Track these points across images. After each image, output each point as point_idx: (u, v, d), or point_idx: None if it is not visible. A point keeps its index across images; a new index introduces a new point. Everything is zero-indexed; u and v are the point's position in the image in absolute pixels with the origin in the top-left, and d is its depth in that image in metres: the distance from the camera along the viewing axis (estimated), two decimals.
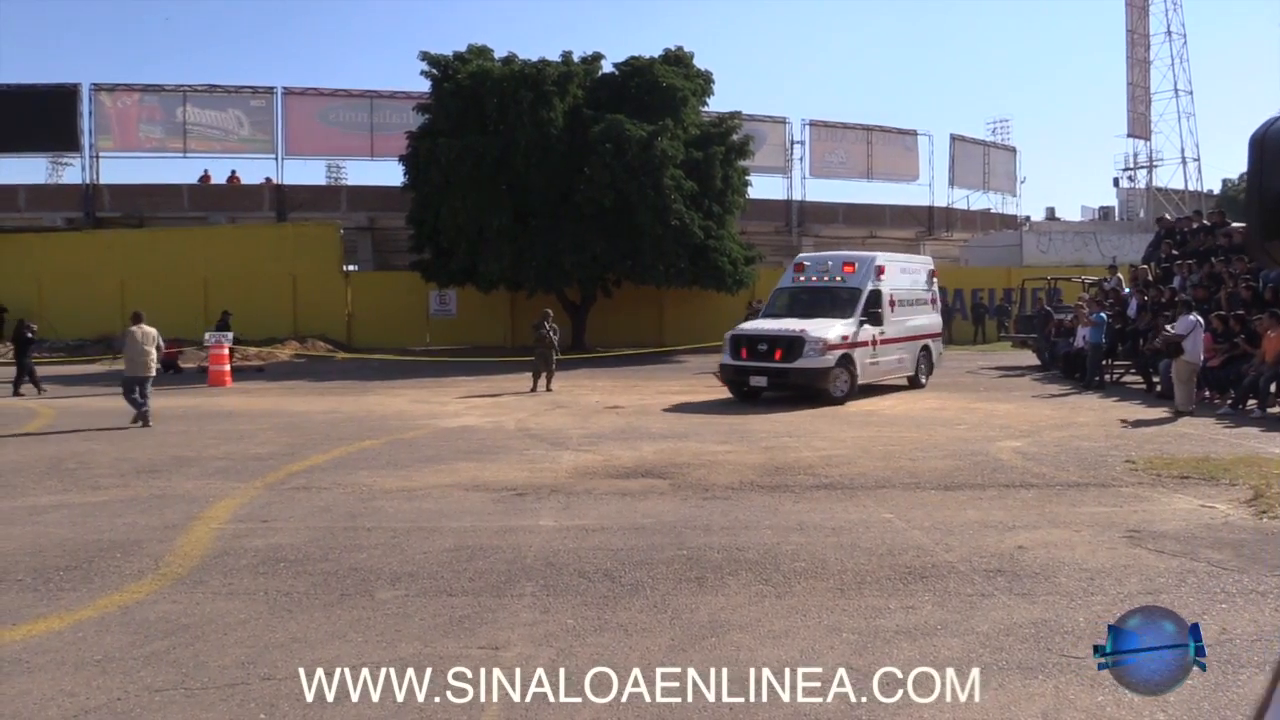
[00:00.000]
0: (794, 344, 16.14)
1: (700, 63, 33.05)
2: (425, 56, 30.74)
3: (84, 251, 36.04)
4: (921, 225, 44.37)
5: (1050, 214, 57.88)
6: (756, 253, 33.07)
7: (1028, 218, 51.77)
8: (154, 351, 15.11)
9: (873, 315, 17.39)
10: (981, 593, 5.79)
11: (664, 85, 30.64)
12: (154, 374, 15.19)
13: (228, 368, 22.47)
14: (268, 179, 38.92)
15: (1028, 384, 20.20)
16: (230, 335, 23.54)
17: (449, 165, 28.20)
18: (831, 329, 16.50)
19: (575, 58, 31.31)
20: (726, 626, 5.21)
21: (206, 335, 23.74)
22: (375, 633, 5.18)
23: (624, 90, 31.05)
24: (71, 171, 42.53)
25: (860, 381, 16.95)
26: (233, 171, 39.89)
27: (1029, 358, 25.34)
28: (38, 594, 5.98)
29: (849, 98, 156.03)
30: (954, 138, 46.37)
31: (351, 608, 5.62)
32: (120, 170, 48.73)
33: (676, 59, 32.40)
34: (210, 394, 19.62)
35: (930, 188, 45.15)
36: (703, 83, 32.76)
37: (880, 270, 18.05)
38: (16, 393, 19.53)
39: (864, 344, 17.02)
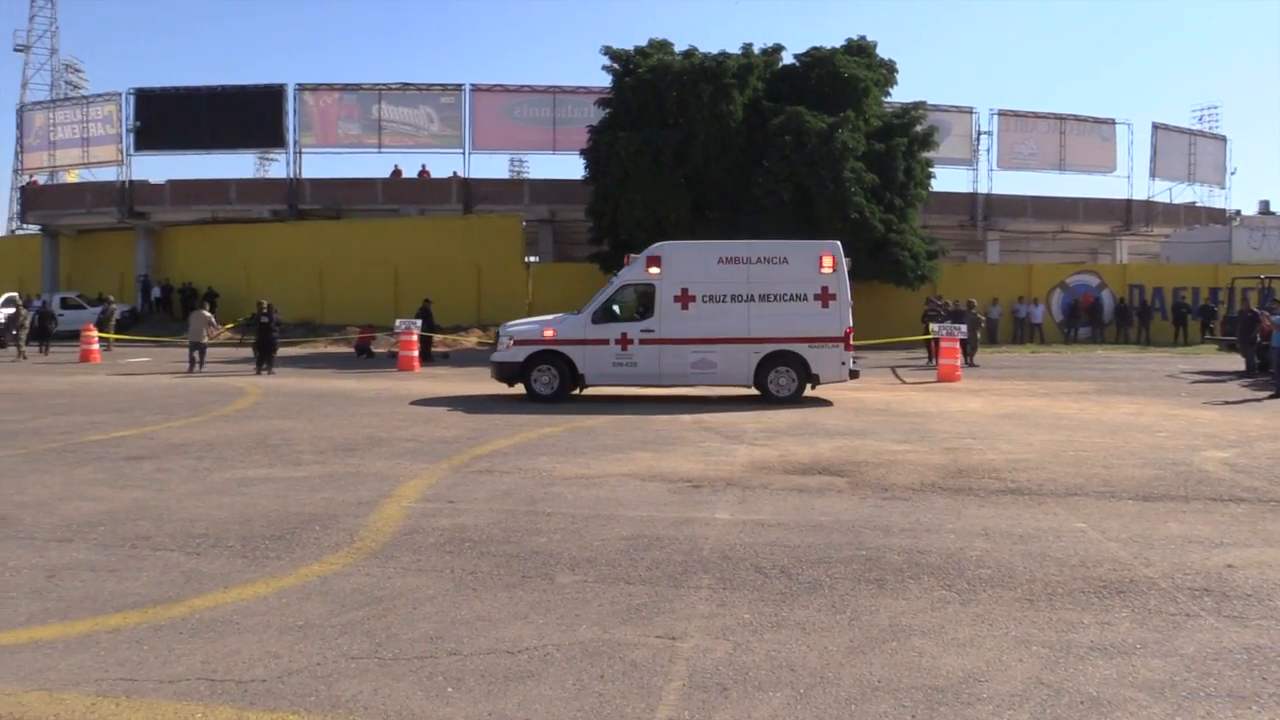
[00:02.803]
0: (497, 339, 17.17)
1: (884, 52, 32.36)
2: (607, 51, 31.21)
3: (287, 241, 38.52)
4: (1118, 219, 42.01)
5: (1264, 208, 53.63)
6: (939, 247, 32.12)
7: (1238, 212, 48.20)
8: (204, 327, 23.16)
9: (627, 311, 16.36)
10: (1186, 612, 5.42)
11: (845, 76, 30.12)
12: (206, 341, 23.09)
13: (416, 353, 23.47)
14: (455, 173, 40.43)
15: (1234, 390, 18.80)
16: (419, 323, 24.55)
17: (628, 159, 28.55)
18: (545, 325, 16.63)
19: (755, 50, 31.16)
20: (908, 631, 5.06)
21: (397, 322, 24.85)
22: (555, 615, 5.29)
23: (804, 82, 30.69)
24: (277, 167, 45.54)
25: (594, 382, 16.43)
26: (423, 166, 41.68)
27: (1237, 362, 23.60)
28: (246, 560, 6.40)
29: (1041, 86, 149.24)
30: (1156, 126, 43.78)
31: (532, 590, 5.76)
32: (320, 165, 51.46)
33: (859, 49, 31.79)
34: (400, 378, 20.49)
35: (1129, 180, 42.73)
36: (885, 73, 32.04)
37: (652, 262, 16.38)
38: (270, 371, 21.72)
39: (595, 342, 16.12)
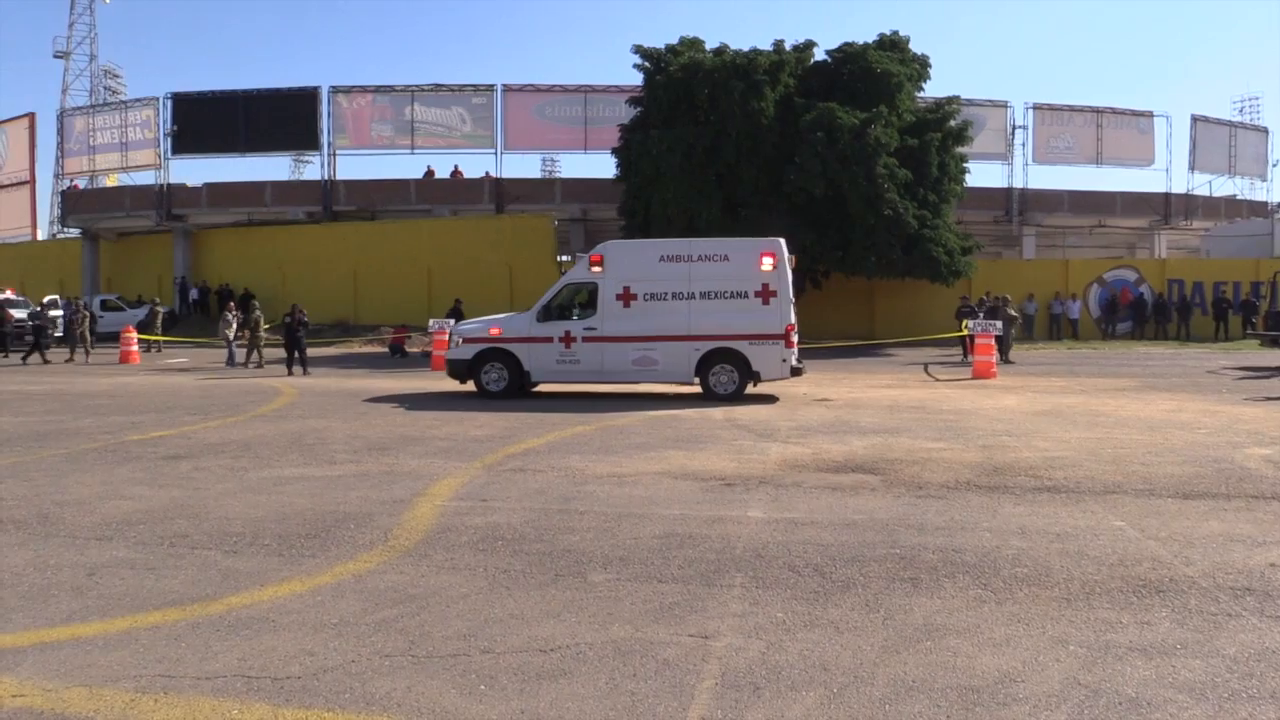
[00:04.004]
0: (450, 337, 17.75)
1: (917, 46, 32.25)
2: (638, 50, 31.23)
3: (322, 242, 38.90)
4: (1156, 213, 41.40)
5: None
6: (974, 243, 31.87)
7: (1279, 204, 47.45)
8: (232, 326, 24.90)
9: (571, 309, 16.62)
10: (1227, 612, 5.33)
11: (878, 71, 29.96)
12: (233, 338, 24.57)
13: None
14: (487, 173, 40.60)
15: (1277, 386, 18.48)
16: (451, 323, 24.69)
17: (660, 156, 28.55)
18: (492, 324, 16.96)
19: (787, 46, 31.06)
20: (943, 630, 5.02)
21: (431, 322, 25.02)
22: (588, 614, 5.30)
23: (836, 77, 30.57)
24: (311, 168, 45.94)
25: (539, 380, 16.69)
26: (455, 166, 41.87)
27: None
28: (282, 558, 6.45)
29: (1077, 79, 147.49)
30: (1195, 118, 43.03)
31: (565, 588, 5.77)
32: (354, 167, 52.31)
33: (891, 44, 31.61)
34: (435, 377, 20.59)
35: (1167, 173, 42.14)
36: (919, 67, 31.83)
37: (595, 260, 16.54)
38: (290, 372, 21.78)
39: (540, 340, 16.37)
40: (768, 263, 16.04)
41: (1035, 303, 35.22)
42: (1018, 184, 39.97)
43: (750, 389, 16.23)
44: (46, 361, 24.73)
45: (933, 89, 32.91)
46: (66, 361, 26.37)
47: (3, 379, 21.62)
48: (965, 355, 24.27)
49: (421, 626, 5.11)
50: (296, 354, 22.34)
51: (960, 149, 31.30)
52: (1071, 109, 41.61)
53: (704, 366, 16.05)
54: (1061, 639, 4.90)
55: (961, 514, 7.63)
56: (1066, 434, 12.01)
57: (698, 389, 16.25)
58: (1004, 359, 23.30)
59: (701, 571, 6.09)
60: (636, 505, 8.01)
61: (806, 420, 13.51)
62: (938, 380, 20.20)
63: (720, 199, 28.99)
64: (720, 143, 28.77)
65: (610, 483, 8.98)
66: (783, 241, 16.49)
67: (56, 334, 32.15)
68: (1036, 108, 40.75)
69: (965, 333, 23.75)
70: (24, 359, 26.25)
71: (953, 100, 31.95)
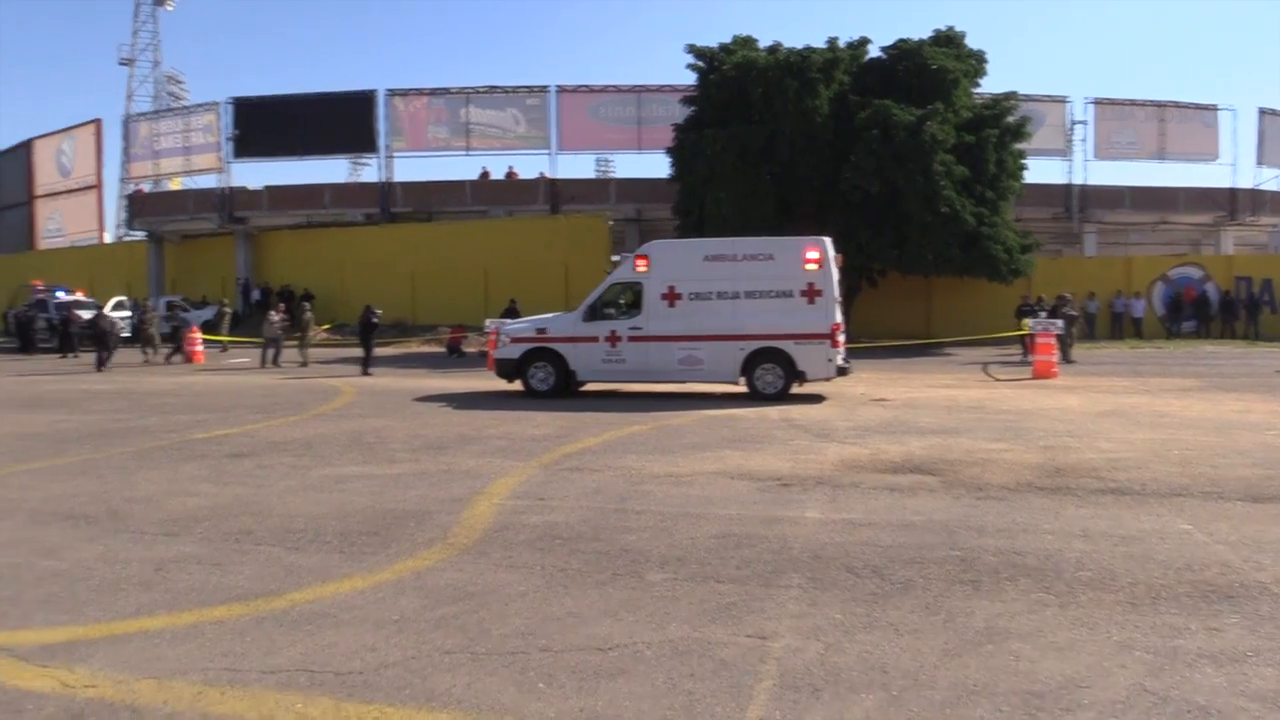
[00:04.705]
0: (498, 337, 17.67)
1: (973, 42, 31.71)
2: (691, 49, 31.19)
3: (380, 244, 39.42)
4: (1222, 209, 40.35)
5: None
6: (1033, 240, 31.34)
7: None
8: (277, 326, 25.38)
9: (617, 309, 16.72)
10: None
11: (934, 68, 29.61)
12: (280, 337, 25.15)
13: None
14: (542, 174, 40.83)
15: None
16: (507, 322, 24.87)
17: (714, 156, 28.50)
18: (538, 324, 17.15)
19: (841, 43, 30.81)
20: (1005, 634, 4.94)
21: (487, 322, 25.20)
22: (645, 613, 5.30)
23: (892, 74, 30.27)
24: (369, 171, 46.51)
25: (585, 379, 16.82)
26: (510, 167, 42.14)
27: None
28: (343, 555, 6.55)
29: (1138, 72, 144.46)
30: (1262, 111, 41.88)
31: (623, 587, 5.78)
32: (411, 168, 52.82)
33: (947, 40, 31.22)
34: (491, 377, 20.67)
35: (1233, 168, 41.03)
36: (975, 63, 31.39)
37: (640, 260, 16.65)
38: (366, 372, 21.83)
39: (586, 340, 16.46)
40: (812, 262, 15.90)
41: (1097, 301, 34.55)
42: (1078, 180, 39.24)
43: (796, 389, 16.14)
44: (101, 369, 24.58)
45: (989, 85, 32.42)
46: (144, 363, 26.97)
47: (74, 380, 22.21)
48: (1025, 355, 23.88)
49: (480, 624, 5.15)
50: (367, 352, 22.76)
51: (1018, 145, 30.79)
52: (1133, 103, 40.73)
53: (749, 366, 16.00)
54: (1127, 644, 4.80)
55: (1023, 516, 7.51)
56: (1130, 435, 11.77)
57: (743, 389, 16.19)
58: (1065, 359, 22.89)
59: (759, 572, 6.07)
60: (693, 505, 8.00)
61: (864, 420, 13.40)
62: (997, 380, 19.91)
63: (774, 198, 28.85)
64: (774, 141, 28.63)
65: (667, 482, 8.98)
66: (828, 240, 16.38)
67: (124, 334, 32.94)
68: (1097, 102, 39.96)
69: (1025, 332, 23.38)
70: (98, 367, 25.73)
71: (1010, 96, 31.43)
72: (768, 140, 28.60)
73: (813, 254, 15.96)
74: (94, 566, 6.30)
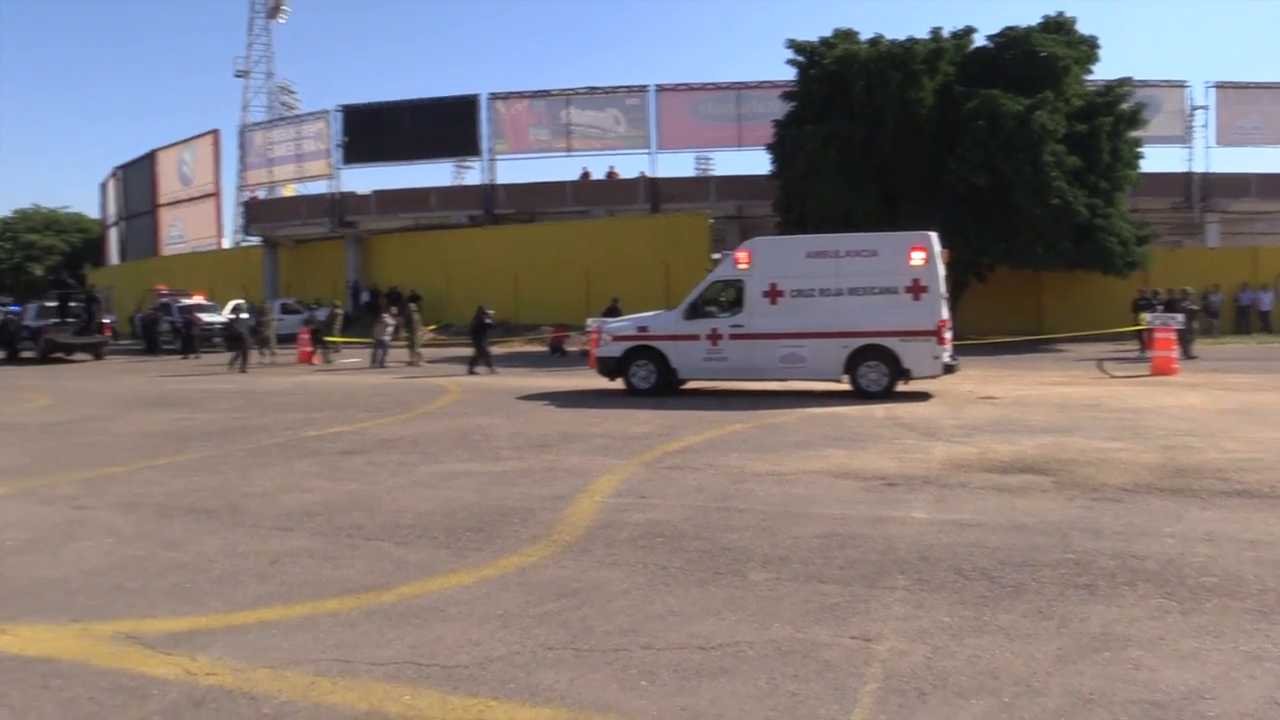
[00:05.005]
0: (599, 337, 17.85)
1: (1084, 27, 30.64)
2: (791, 44, 30.92)
3: (483, 245, 40.11)
4: None
5: None
6: (1150, 231, 30.15)
7: None
8: (388, 328, 25.90)
9: (718, 307, 16.64)
10: None
11: (1043, 55, 28.75)
12: (388, 339, 25.65)
13: None
14: (642, 173, 40.99)
15: None
16: (608, 321, 25.03)
17: (815, 151, 28.20)
18: (640, 322, 17.22)
19: (945, 33, 30.13)
20: (1123, 641, 4.75)
21: (588, 321, 25.42)
22: (748, 613, 5.26)
23: (998, 63, 29.50)
24: (472, 173, 47.41)
25: (686, 377, 16.79)
26: (610, 167, 42.44)
27: None
28: (450, 550, 6.67)
29: (1263, 54, 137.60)
30: None
31: (725, 586, 5.75)
32: (513, 170, 53.89)
33: (1057, 26, 30.27)
34: (593, 376, 20.85)
35: None
36: (1086, 49, 30.35)
37: (742, 258, 16.49)
38: (472, 371, 22.32)
39: (687, 338, 16.38)
40: (918, 257, 15.58)
41: (1220, 294, 33.04)
42: (1198, 168, 37.58)
43: (901, 387, 15.85)
44: (244, 370, 25.02)
45: (1102, 71, 31.29)
46: (264, 364, 27.95)
47: (195, 380, 23.16)
48: (1143, 351, 23.00)
49: (583, 620, 5.18)
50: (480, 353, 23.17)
51: (1134, 133, 29.65)
52: (1259, 86, 38.87)
53: (853, 363, 15.75)
54: (1256, 655, 4.57)
55: (1141, 518, 7.23)
56: (1258, 434, 11.22)
57: (846, 386, 15.97)
58: (1186, 354, 21.96)
59: (863, 572, 5.97)
60: (796, 504, 7.92)
61: (972, 419, 13.08)
62: (1113, 377, 19.21)
63: (877, 192, 28.39)
64: (877, 135, 28.17)
65: (769, 481, 8.91)
66: (934, 235, 16.02)
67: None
68: (1219, 86, 38.25)
69: (1143, 327, 22.53)
70: (239, 368, 25.66)
71: (1124, 82, 30.27)
72: (870, 134, 28.16)
73: (918, 249, 15.67)
74: (214, 559, 6.55)
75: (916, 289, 15.53)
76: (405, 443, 11.75)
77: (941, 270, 15.79)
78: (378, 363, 25.71)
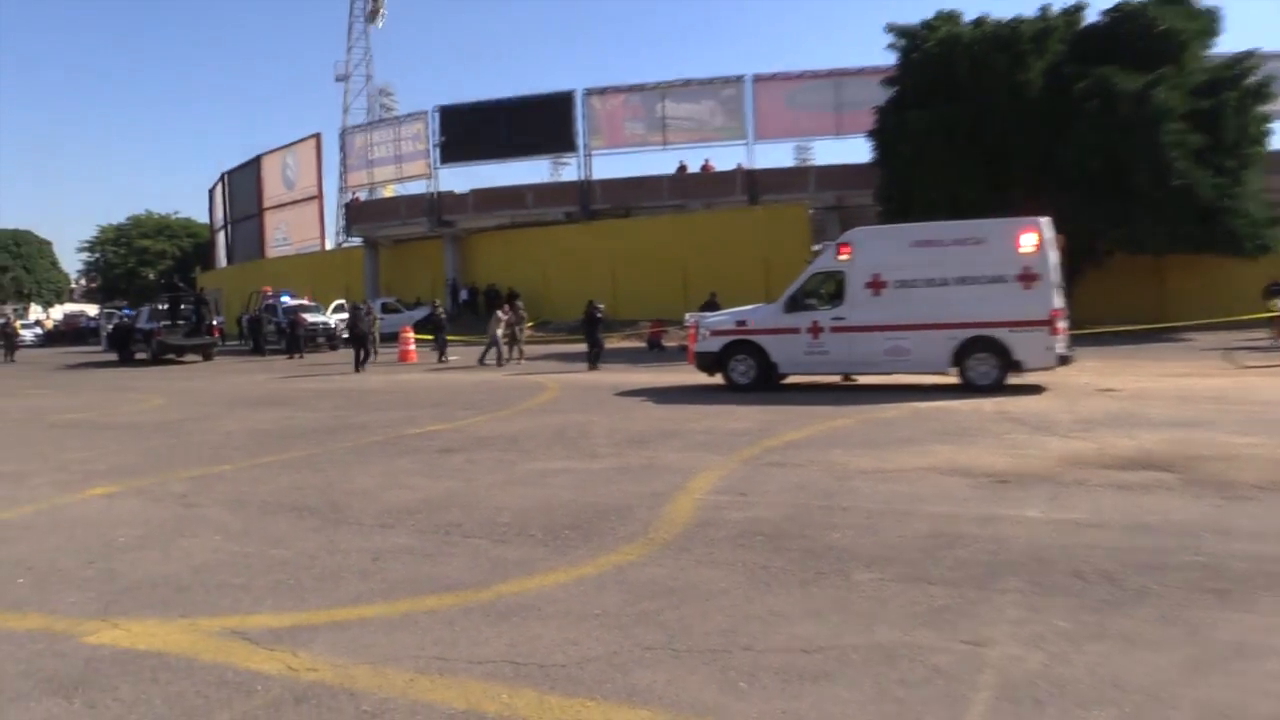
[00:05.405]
0: (698, 330, 17.66)
1: None
2: (892, 29, 30.43)
3: (580, 241, 40.43)
4: None
5: None
6: None
7: None
8: (501, 325, 25.55)
9: (819, 299, 16.42)
10: None
11: (1161, 29, 27.62)
12: (501, 335, 25.40)
13: None
14: (739, 165, 40.79)
15: None
16: (706, 316, 24.93)
17: (918, 137, 27.69)
18: (739, 316, 17.19)
19: (1054, 10, 29.23)
20: (1258, 651, 4.49)
21: (686, 316, 25.36)
22: (852, 615, 5.14)
23: (1112, 40, 28.44)
24: (569, 170, 47.79)
25: (787, 371, 16.59)
26: (706, 160, 42.28)
27: None
28: (548, 549, 6.69)
29: None
30: None
31: (827, 587, 5.64)
32: (609, 166, 54.11)
33: None
34: (692, 372, 20.80)
35: None
36: (1208, 21, 29.02)
37: (843, 248, 16.19)
38: (593, 367, 22.48)
39: (788, 331, 16.16)
40: (1028, 243, 15.11)
41: None
42: None
43: (1013, 379, 15.40)
44: (360, 369, 25.23)
45: (1226, 44, 29.93)
46: (372, 363, 28.54)
47: (299, 380, 23.86)
48: (1275, 339, 21.95)
49: (681, 620, 5.13)
50: (594, 347, 23.29)
51: (1262, 108, 28.28)
52: None
53: (960, 356, 15.39)
54: None
55: (1277, 518, 6.85)
56: None
57: (954, 379, 15.59)
58: None
59: (973, 574, 5.78)
60: (902, 502, 7.74)
61: (1089, 412, 12.62)
62: (1242, 367, 18.34)
63: (985, 179, 27.68)
64: (983, 119, 27.47)
65: (874, 478, 8.74)
66: (1046, 220, 15.49)
67: (343, 335, 34.91)
68: None
69: (1275, 314, 21.48)
70: (361, 367, 25.86)
71: (1250, 55, 28.83)
72: (976, 118, 27.48)
73: (1028, 236, 15.19)
74: (316, 556, 6.70)
75: (1027, 277, 15.07)
76: (503, 440, 11.88)
77: (1054, 257, 15.29)
78: (494, 360, 25.66)
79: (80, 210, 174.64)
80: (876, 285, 15.81)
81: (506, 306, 27.55)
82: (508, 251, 42.61)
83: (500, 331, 25.80)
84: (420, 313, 36.96)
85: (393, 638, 5.01)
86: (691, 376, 18.11)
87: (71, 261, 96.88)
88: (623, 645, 4.80)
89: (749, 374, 16.59)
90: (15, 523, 8.12)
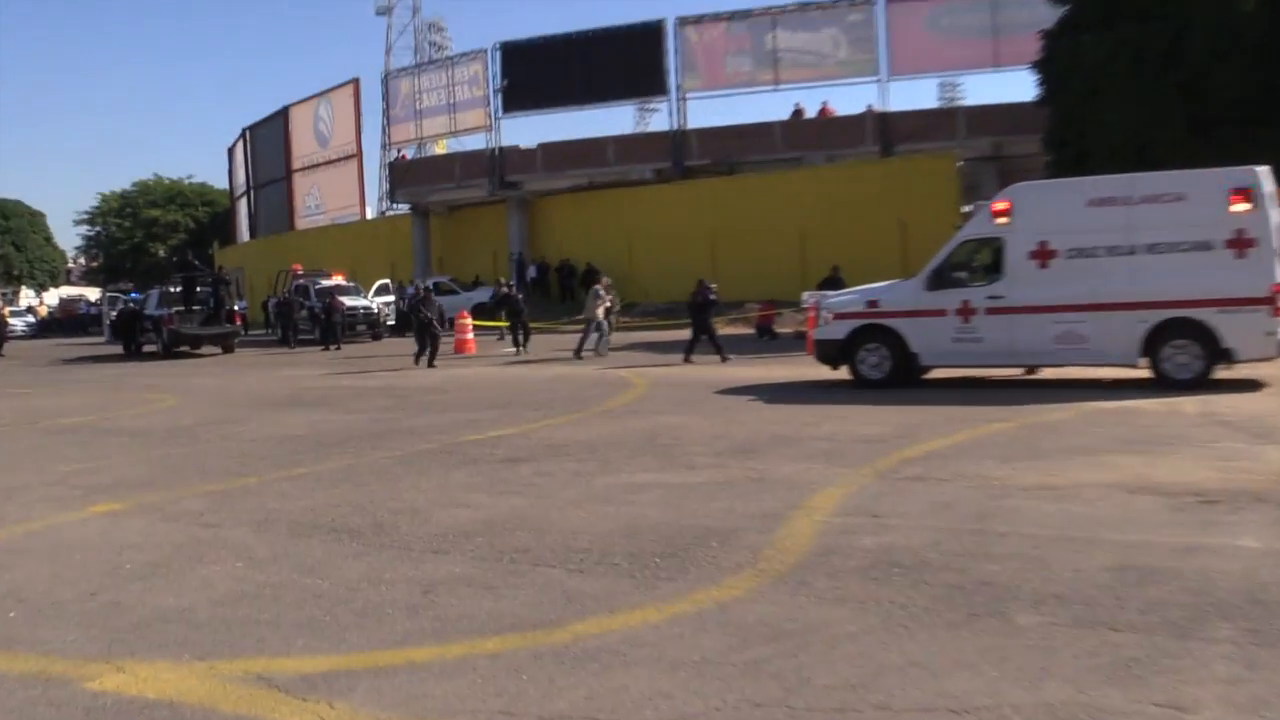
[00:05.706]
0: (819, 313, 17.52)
1: None
2: None
3: (673, 205, 40.36)
4: None
5: None
6: None
7: None
8: (603, 305, 25.59)
9: (971, 273, 16.44)
10: None
11: None
12: (602, 316, 25.47)
13: None
14: (869, 107, 40.37)
15: None
16: (827, 294, 24.73)
17: (1097, 67, 27.05)
18: (869, 295, 17.03)
19: None
20: None
21: (804, 296, 25.16)
22: (1013, 667, 5.06)
23: None
24: (658, 118, 47.81)
25: (930, 362, 16.58)
26: (824, 102, 41.94)
27: None
28: (634, 581, 6.72)
29: None
30: None
31: (981, 632, 5.56)
32: (708, 112, 54.09)
33: None
34: (811, 363, 20.69)
35: None
36: None
37: (1002, 210, 15.96)
38: (724, 359, 22.43)
39: (931, 313, 15.87)
40: (1242, 201, 14.63)
41: None
42: None
43: (1221, 373, 14.99)
44: (431, 364, 25.14)
45: None
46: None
47: (336, 376, 24.37)
48: None
49: (799, 670, 5.11)
50: (705, 337, 22.89)
51: None
52: None
53: (1153, 343, 14.98)
54: None
55: None
56: None
57: (1144, 373, 15.22)
58: None
59: (1170, 619, 5.64)
60: (1076, 527, 7.60)
61: None
62: None
63: (1184, 118, 26.93)
64: (1182, 43, 26.72)
65: (1040, 496, 8.60)
66: (1263, 170, 14.96)
67: (390, 322, 35.53)
68: None
69: None
70: (428, 363, 25.50)
71: None
72: (1173, 42, 26.74)
73: (1241, 191, 14.71)
74: (357, 587, 6.84)
75: (1241, 243, 14.58)
76: (580, 448, 11.97)
77: (1276, 218, 14.81)
78: (592, 348, 25.27)
79: (78, 176, 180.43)
80: (1044, 255, 15.49)
81: (607, 281, 27.33)
82: (584, 218, 42.85)
83: (601, 312, 25.51)
84: (480, 294, 37.33)
85: (447, 686, 5.08)
86: (810, 370, 18.02)
87: (68, 236, 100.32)
88: (727, 700, 4.79)
89: (882, 367, 16.42)
90: (4, 546, 8.46)
